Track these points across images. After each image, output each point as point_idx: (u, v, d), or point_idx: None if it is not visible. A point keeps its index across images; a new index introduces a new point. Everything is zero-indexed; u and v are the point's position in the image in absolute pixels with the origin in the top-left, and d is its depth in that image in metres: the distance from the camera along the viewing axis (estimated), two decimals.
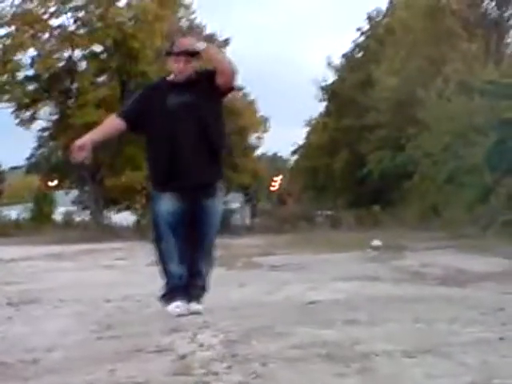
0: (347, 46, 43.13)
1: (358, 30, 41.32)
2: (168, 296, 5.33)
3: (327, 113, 43.72)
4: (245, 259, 12.47)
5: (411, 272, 9.06)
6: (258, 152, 59.91)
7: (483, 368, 3.23)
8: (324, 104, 43.93)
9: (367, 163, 33.24)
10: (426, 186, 25.72)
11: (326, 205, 41.17)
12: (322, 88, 42.00)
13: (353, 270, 9.26)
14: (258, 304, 5.92)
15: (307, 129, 50.48)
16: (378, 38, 37.58)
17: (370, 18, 41.08)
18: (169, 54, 5.57)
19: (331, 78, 42.39)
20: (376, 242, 14.66)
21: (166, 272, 5.38)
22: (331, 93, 41.62)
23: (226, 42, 42.96)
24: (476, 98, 21.78)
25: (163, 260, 5.40)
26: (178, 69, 5.50)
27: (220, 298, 5.99)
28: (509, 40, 31.57)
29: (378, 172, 31.61)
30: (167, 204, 5.34)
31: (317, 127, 46.82)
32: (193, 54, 5.46)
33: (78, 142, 5.33)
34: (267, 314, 5.12)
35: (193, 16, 40.81)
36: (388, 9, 39.63)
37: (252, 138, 51.41)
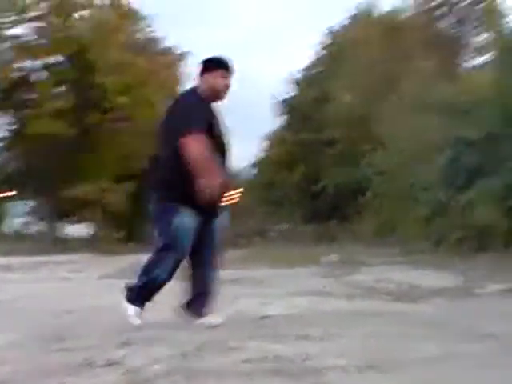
0: (305, 62, 43.38)
1: (317, 45, 41.58)
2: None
3: (286, 127, 43.84)
4: None
5: (365, 287, 9.09)
6: None
7: None
8: (281, 119, 44.06)
9: (323, 178, 33.39)
10: (381, 201, 25.88)
11: (281, 219, 41.21)
12: (281, 103, 42.13)
13: (307, 285, 9.27)
14: None
15: (264, 144, 50.60)
16: (336, 53, 37.82)
17: (328, 34, 41.35)
18: (215, 68, 5.45)
19: (289, 92, 42.54)
20: (331, 257, 14.72)
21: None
22: (289, 107, 41.77)
23: (183, 56, 42.93)
24: (431, 116, 22.02)
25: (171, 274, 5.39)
26: (227, 86, 5.46)
27: (173, 312, 5.96)
28: (464, 58, 31.99)
29: (332, 187, 31.78)
30: (190, 219, 5.27)
31: (275, 141, 46.94)
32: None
33: (215, 183, 5.11)
34: (220, 328, 5.10)
35: (151, 29, 40.73)
36: (346, 25, 39.93)
37: None
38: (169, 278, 5.40)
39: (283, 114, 43.04)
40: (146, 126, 34.12)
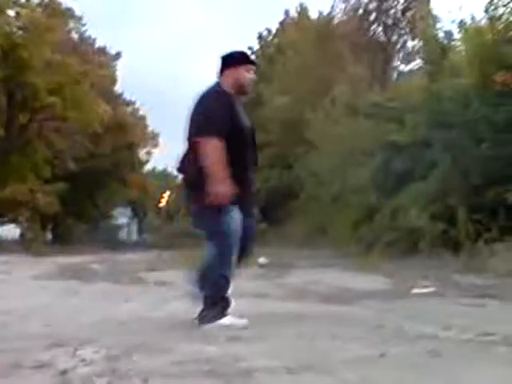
0: None
1: (249, 49, 41.65)
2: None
3: None
4: (131, 275, 12.32)
5: (297, 289, 9.14)
6: (148, 167, 59.61)
7: None
8: None
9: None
10: (312, 204, 26.07)
11: None
12: None
13: (239, 287, 9.24)
14: (142, 320, 5.86)
15: None
16: (269, 57, 37.98)
17: (260, 38, 41.48)
18: (240, 62, 5.44)
19: None
20: (263, 260, 14.74)
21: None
22: None
23: (116, 57, 42.65)
24: (362, 120, 22.30)
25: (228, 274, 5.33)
26: (251, 80, 5.46)
27: (104, 313, 5.91)
28: (394, 64, 32.46)
29: (265, 190, 31.87)
30: (237, 214, 5.24)
31: None
32: None
33: (226, 192, 5.08)
34: (151, 330, 5.07)
35: (83, 28, 40.39)
36: (278, 29, 40.13)
37: (141, 154, 51.14)
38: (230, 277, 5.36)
39: None
40: (78, 125, 33.85)
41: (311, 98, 29.01)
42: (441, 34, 20.95)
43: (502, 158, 13.48)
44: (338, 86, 27.09)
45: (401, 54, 32.35)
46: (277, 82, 33.28)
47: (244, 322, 5.30)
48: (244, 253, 5.51)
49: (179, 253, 19.83)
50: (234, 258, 5.28)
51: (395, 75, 31.61)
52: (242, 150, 5.27)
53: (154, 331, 5.05)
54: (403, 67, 32.22)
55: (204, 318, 5.25)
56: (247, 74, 5.44)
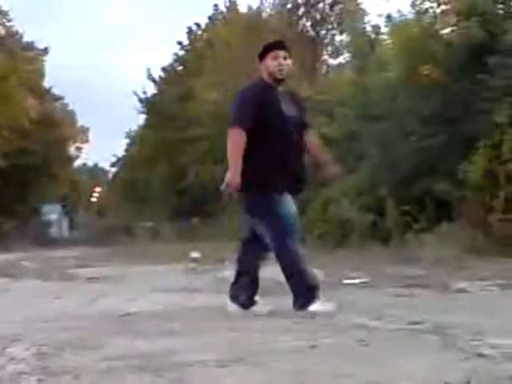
0: (167, 59, 43.17)
1: (179, 43, 41.42)
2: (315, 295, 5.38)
3: (147, 125, 43.48)
4: (62, 271, 12.20)
5: (229, 283, 9.15)
6: (78, 163, 58.99)
7: (294, 376, 3.31)
8: (144, 116, 43.67)
9: (188, 176, 33.36)
10: None
11: (146, 217, 40.98)
12: (142, 100, 41.62)
13: (172, 282, 9.27)
14: (73, 316, 5.80)
15: (127, 141, 50.13)
16: (199, 52, 37.84)
17: (190, 32, 41.25)
18: (264, 52, 5.54)
19: (151, 90, 42.17)
20: (195, 254, 14.74)
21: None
22: (151, 105, 41.39)
23: (45, 51, 42.02)
24: None
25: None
26: (279, 64, 5.50)
27: (34, 310, 5.85)
28: (323, 58, 32.71)
29: (197, 184, 31.80)
30: (289, 201, 5.45)
31: (136, 140, 46.57)
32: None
33: (235, 180, 5.26)
34: (82, 327, 5.03)
35: (10, 24, 39.71)
36: (208, 24, 40.00)
37: (71, 149, 50.59)
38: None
39: (144, 112, 42.61)
40: (5, 121, 33.27)
41: None
42: (368, 28, 21.23)
43: (429, 150, 13.71)
44: None
45: (329, 48, 32.63)
46: (207, 77, 33.18)
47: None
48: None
49: (111, 249, 19.73)
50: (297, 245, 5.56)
51: (324, 69, 31.86)
52: (269, 139, 5.36)
53: (85, 327, 5.01)
54: (332, 61, 32.54)
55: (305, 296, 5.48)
56: (273, 61, 5.47)
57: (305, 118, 5.69)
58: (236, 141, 5.37)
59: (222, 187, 5.46)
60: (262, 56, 5.56)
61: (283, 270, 5.52)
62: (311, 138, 5.79)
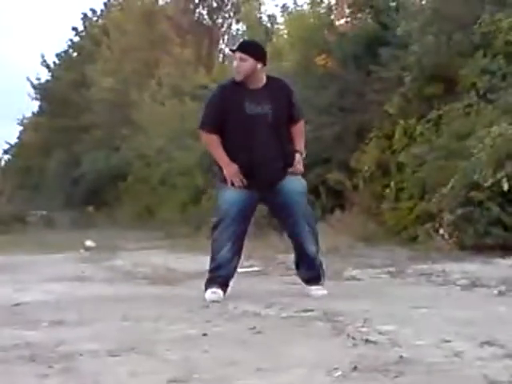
0: (62, 45, 42.32)
1: (73, 29, 40.59)
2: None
3: (41, 112, 42.59)
4: None
5: (123, 272, 9.11)
6: None
7: (185, 364, 3.34)
8: (37, 103, 42.73)
9: (82, 163, 32.86)
10: (140, 186, 25.96)
11: (40, 205, 40.19)
12: (35, 87, 40.69)
13: (65, 271, 9.14)
14: None
15: (20, 128, 48.99)
16: (94, 38, 37.26)
17: (84, 18, 40.51)
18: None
19: (45, 76, 41.24)
20: (89, 243, 14.59)
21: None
22: (45, 92, 40.53)
23: None
24: (188, 102, 22.38)
25: None
26: (235, 66, 5.60)
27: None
28: (220, 46, 32.75)
29: (92, 172, 31.37)
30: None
31: (30, 126, 45.57)
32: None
33: (235, 172, 5.49)
34: None
35: None
36: (103, 10, 39.43)
37: None
38: None
39: (38, 98, 41.70)
40: None
41: (137, 79, 28.82)
42: (265, 18, 21.37)
43: (323, 139, 13.89)
44: (163, 68, 27.06)
45: (226, 37, 32.67)
46: (102, 63, 32.73)
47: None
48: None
49: (3, 237, 19.32)
50: None
51: (221, 58, 31.89)
52: (230, 137, 5.52)
53: None
54: (228, 50, 32.58)
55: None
56: (234, 63, 5.62)
57: (288, 111, 5.72)
58: (207, 142, 5.71)
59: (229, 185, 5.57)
60: None
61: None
62: (296, 130, 5.90)
